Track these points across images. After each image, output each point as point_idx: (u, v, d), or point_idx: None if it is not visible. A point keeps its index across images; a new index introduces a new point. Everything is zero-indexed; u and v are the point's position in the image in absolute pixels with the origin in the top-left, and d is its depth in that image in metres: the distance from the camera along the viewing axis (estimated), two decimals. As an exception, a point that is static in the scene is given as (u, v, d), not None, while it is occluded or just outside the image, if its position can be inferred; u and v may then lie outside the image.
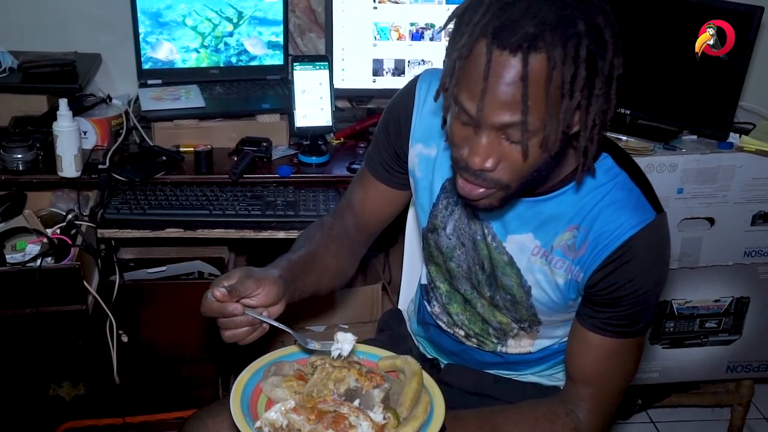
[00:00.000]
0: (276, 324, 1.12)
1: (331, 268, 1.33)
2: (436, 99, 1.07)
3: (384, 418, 1.03)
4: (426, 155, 1.28)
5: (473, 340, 1.37)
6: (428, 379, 1.13)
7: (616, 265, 1.11)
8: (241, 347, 1.14)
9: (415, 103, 1.28)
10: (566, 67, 0.95)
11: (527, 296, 1.23)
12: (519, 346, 1.34)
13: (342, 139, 2.10)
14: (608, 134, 1.89)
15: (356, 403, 1.04)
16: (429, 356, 1.46)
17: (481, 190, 1.06)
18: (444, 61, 1.04)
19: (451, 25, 1.04)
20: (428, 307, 1.42)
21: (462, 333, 1.38)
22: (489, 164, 1.02)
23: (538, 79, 0.95)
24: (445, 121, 1.07)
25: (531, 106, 0.96)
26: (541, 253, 1.19)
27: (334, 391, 1.05)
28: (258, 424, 1.02)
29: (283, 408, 1.03)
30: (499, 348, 1.35)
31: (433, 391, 1.11)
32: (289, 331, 1.12)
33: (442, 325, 1.40)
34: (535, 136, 0.99)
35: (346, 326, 2.30)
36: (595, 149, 1.05)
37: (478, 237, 1.25)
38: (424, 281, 1.43)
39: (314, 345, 1.14)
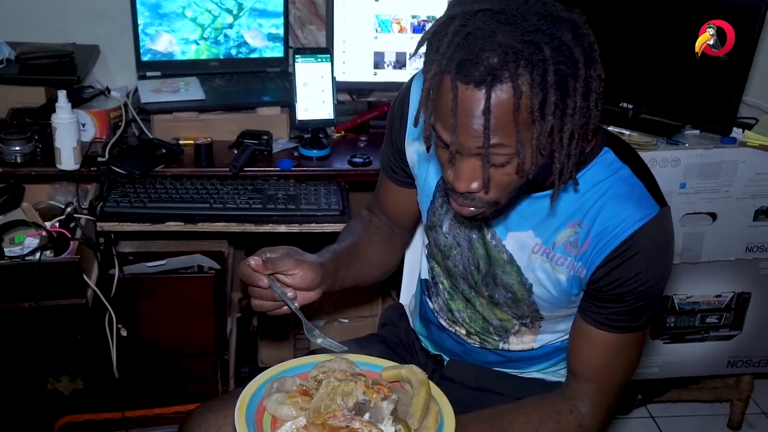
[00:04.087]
0: (291, 305, 1.15)
1: (375, 258, 1.38)
2: (415, 125, 1.05)
3: (396, 431, 1.02)
4: (422, 153, 1.28)
5: (474, 337, 1.36)
6: (435, 389, 1.11)
7: (619, 260, 1.11)
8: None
9: (410, 102, 1.28)
10: (534, 94, 0.94)
11: (528, 294, 1.23)
12: (521, 342, 1.33)
13: (343, 132, 2.08)
14: (610, 129, 1.92)
15: (366, 416, 1.02)
16: (432, 352, 1.45)
17: (472, 209, 1.07)
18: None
19: (423, 48, 1.02)
20: (430, 303, 1.42)
21: (463, 331, 1.37)
22: (474, 186, 1.03)
23: (505, 109, 0.95)
24: (428, 147, 1.06)
25: (501, 135, 0.96)
26: (542, 250, 1.18)
27: (343, 406, 1.03)
28: None
29: (294, 426, 1.01)
30: (501, 345, 1.34)
31: (441, 401, 1.09)
32: (301, 316, 1.15)
33: (444, 323, 1.39)
34: (513, 159, 0.99)
35: (346, 320, 2.29)
36: (575, 162, 1.04)
37: (474, 236, 1.24)
38: (425, 276, 1.43)
39: (319, 339, 1.15)
